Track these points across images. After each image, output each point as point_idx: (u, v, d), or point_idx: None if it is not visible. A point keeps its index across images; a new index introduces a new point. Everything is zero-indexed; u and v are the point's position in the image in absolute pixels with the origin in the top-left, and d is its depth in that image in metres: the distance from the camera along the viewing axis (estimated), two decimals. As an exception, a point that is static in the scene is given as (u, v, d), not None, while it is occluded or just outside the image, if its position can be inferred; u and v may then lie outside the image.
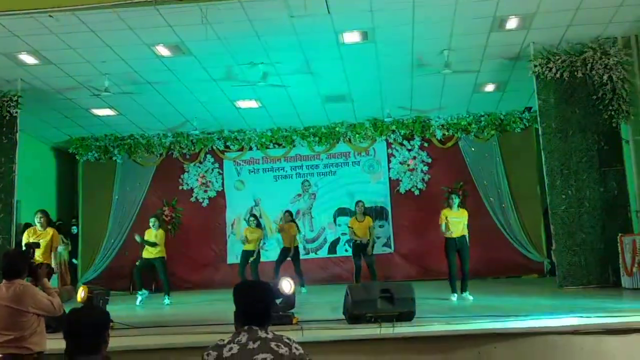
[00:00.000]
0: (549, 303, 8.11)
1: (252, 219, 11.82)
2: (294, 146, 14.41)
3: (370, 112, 13.56)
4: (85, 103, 12.01)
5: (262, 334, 2.74)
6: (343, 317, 6.50)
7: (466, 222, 9.08)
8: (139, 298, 10.42)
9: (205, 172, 14.61)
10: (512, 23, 9.26)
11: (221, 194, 14.58)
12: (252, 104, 12.52)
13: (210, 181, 14.59)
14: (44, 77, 10.60)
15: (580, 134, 10.01)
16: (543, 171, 10.33)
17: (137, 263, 10.76)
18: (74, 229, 14.41)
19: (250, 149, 14.52)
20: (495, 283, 12.07)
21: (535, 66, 10.11)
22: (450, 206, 9.12)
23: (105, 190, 14.45)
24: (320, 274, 13.67)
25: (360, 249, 10.88)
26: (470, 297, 8.71)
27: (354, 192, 14.08)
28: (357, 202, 11.32)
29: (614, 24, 9.46)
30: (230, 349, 2.68)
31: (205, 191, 14.57)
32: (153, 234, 10.58)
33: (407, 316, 6.21)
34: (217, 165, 14.64)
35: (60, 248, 10.88)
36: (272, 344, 2.70)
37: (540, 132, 10.35)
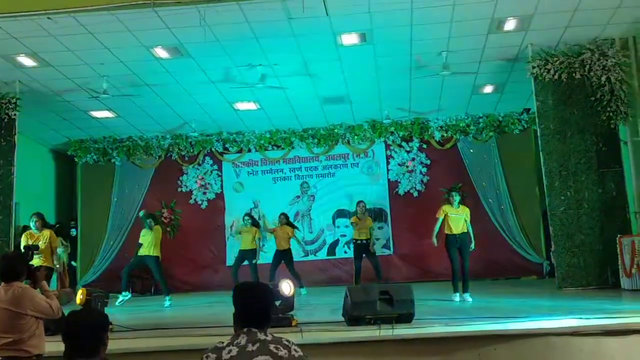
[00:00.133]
0: (548, 304, 8.11)
1: (246, 217, 11.82)
2: (292, 148, 14.41)
3: (368, 114, 13.57)
4: (84, 105, 12.01)
5: (261, 336, 2.74)
6: (342, 319, 6.50)
7: (468, 219, 9.05)
8: (120, 298, 10.26)
9: (204, 174, 14.61)
10: (510, 24, 9.27)
11: (220, 196, 14.58)
12: (251, 105, 12.53)
13: (209, 183, 14.59)
14: (42, 79, 10.60)
15: (578, 135, 10.02)
16: (542, 172, 10.34)
17: (131, 261, 10.73)
18: (73, 232, 14.41)
19: (249, 150, 14.53)
20: (494, 284, 12.06)
21: (534, 67, 10.13)
22: (450, 203, 9.13)
23: (104, 192, 14.45)
24: (319, 276, 13.68)
25: (361, 249, 10.86)
26: (470, 299, 8.70)
27: (352, 193, 14.10)
28: (358, 202, 11.32)
29: (611, 26, 9.47)
30: (230, 351, 2.68)
31: (204, 193, 14.57)
32: (147, 232, 10.54)
33: (406, 318, 6.21)
34: (215, 167, 14.65)
35: (59, 250, 10.85)
36: (272, 346, 2.70)
37: (538, 134, 10.36)
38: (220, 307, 9.26)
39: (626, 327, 5.65)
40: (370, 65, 10.62)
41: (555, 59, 10.06)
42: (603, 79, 9.82)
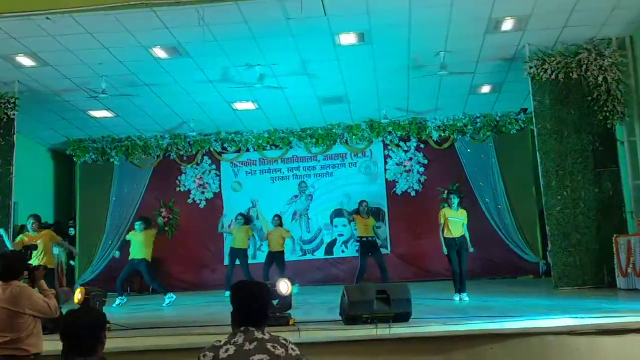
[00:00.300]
0: (545, 304, 8.11)
1: (239, 217, 11.84)
2: (290, 147, 14.42)
3: (366, 114, 13.58)
4: (83, 105, 12.02)
5: (258, 334, 2.75)
6: (339, 318, 6.51)
7: (466, 222, 9.10)
8: (117, 301, 10.40)
9: (203, 173, 14.62)
10: (507, 24, 9.29)
11: (218, 196, 14.60)
12: (249, 105, 12.54)
13: (207, 183, 14.61)
14: (41, 79, 10.60)
15: (575, 135, 10.04)
16: (538, 172, 10.36)
17: (124, 270, 10.80)
18: (72, 231, 14.41)
19: (247, 150, 14.54)
20: (490, 284, 12.08)
21: (531, 67, 10.15)
22: (449, 206, 9.15)
23: (102, 191, 14.45)
24: (316, 275, 13.71)
25: (368, 247, 10.80)
26: (466, 298, 8.74)
27: (350, 193, 14.15)
28: (361, 202, 11.27)
29: (608, 26, 9.50)
30: (227, 350, 2.69)
31: (203, 192, 14.59)
32: (138, 234, 10.63)
33: (403, 317, 6.22)
34: (214, 166, 14.66)
35: (56, 250, 10.89)
36: (269, 345, 2.71)
37: (535, 133, 10.38)
38: (217, 306, 9.28)
39: (622, 327, 5.66)
40: (368, 65, 10.63)
41: (552, 58, 10.07)
42: (600, 78, 9.84)
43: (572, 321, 6.04)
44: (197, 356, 2.72)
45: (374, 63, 10.53)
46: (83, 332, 2.72)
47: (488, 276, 12.97)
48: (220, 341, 2.75)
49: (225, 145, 14.50)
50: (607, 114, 9.78)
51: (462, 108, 13.43)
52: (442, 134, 13.97)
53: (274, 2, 8.11)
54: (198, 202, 14.57)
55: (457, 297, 8.83)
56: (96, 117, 12.92)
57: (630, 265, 8.74)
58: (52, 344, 4.11)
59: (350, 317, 6.25)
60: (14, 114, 10.76)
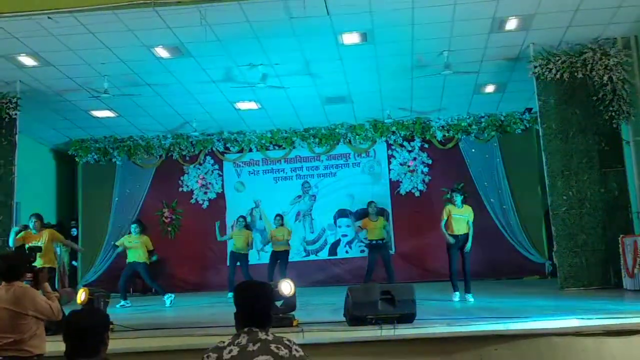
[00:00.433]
0: (551, 304, 8.08)
1: (240, 219, 11.81)
2: (294, 147, 14.39)
3: (370, 114, 13.55)
4: (85, 105, 12.01)
5: (262, 335, 2.72)
6: (344, 319, 6.49)
7: (471, 220, 9.02)
8: (122, 302, 10.44)
9: (205, 173, 14.61)
10: (511, 24, 9.25)
11: (221, 196, 14.58)
12: (252, 105, 12.52)
13: (210, 183, 14.59)
14: (43, 79, 10.59)
15: (580, 134, 10.00)
16: (544, 172, 10.32)
17: (124, 272, 10.85)
18: (74, 231, 14.40)
19: (250, 150, 14.52)
20: (496, 284, 12.03)
21: (535, 67, 10.11)
22: (453, 203, 9.10)
23: (105, 192, 14.45)
24: (320, 276, 13.67)
25: (376, 249, 10.72)
26: (472, 299, 8.68)
27: (354, 193, 14.12)
28: (369, 203, 11.18)
29: (613, 25, 9.45)
30: (230, 351, 2.66)
31: (205, 193, 14.57)
32: (133, 238, 10.71)
33: (408, 318, 6.19)
34: (217, 166, 14.64)
35: (57, 249, 10.91)
36: (272, 346, 2.68)
37: (540, 133, 10.34)
38: (221, 307, 9.26)
39: (629, 328, 5.62)
40: (371, 65, 10.60)
41: (557, 58, 10.03)
42: (605, 78, 9.79)
43: (578, 322, 6.01)
44: (201, 357, 2.70)
45: (377, 63, 10.50)
46: (86, 333, 2.70)
47: (493, 277, 12.90)
48: (223, 342, 2.73)
49: (228, 145, 14.48)
50: (613, 113, 9.73)
51: (466, 108, 13.38)
52: (447, 134, 13.93)
53: (277, 1, 8.09)
54: (201, 202, 14.56)
55: (455, 297, 8.76)
56: (98, 117, 12.91)
57: (637, 266, 8.69)
58: (55, 345, 4.07)
59: (354, 318, 6.22)
60: (16, 114, 10.76)
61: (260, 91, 11.27)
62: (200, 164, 14.60)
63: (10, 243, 8.66)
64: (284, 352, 2.67)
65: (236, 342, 2.70)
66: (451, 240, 8.87)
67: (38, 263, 7.43)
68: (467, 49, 9.99)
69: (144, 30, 8.81)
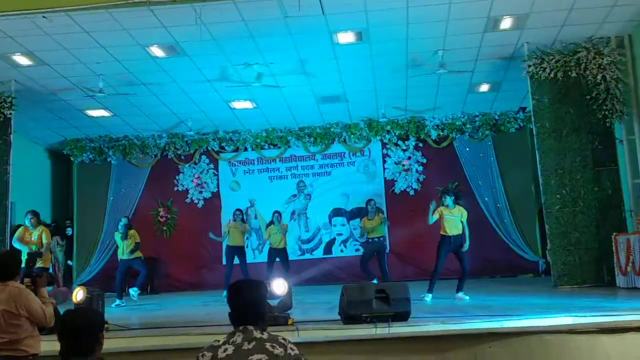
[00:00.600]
0: (544, 302, 8.11)
1: (237, 213, 11.74)
2: (289, 147, 14.40)
3: (365, 113, 13.57)
4: (80, 104, 11.98)
5: (257, 334, 2.73)
6: (338, 317, 6.50)
7: (464, 220, 9.03)
8: (117, 302, 10.47)
9: (200, 173, 14.60)
10: (506, 23, 9.28)
11: (216, 195, 14.57)
12: (247, 104, 12.52)
13: (205, 182, 14.58)
14: (37, 78, 10.57)
15: (574, 133, 10.04)
16: (537, 171, 10.36)
17: (118, 271, 10.90)
18: (69, 231, 14.38)
19: (245, 149, 14.52)
20: (490, 283, 12.08)
21: (530, 66, 10.14)
22: (444, 204, 9.13)
23: (100, 191, 14.43)
24: (315, 274, 13.67)
25: (372, 248, 10.74)
26: (466, 297, 8.71)
27: (349, 192, 14.14)
28: (368, 201, 11.23)
29: (607, 24, 9.49)
30: (225, 349, 2.67)
31: (201, 192, 14.56)
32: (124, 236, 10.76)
33: (402, 316, 6.22)
34: (212, 166, 14.64)
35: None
36: (268, 345, 2.69)
37: (534, 132, 10.37)
38: (216, 306, 9.25)
39: (622, 325, 5.65)
40: (366, 64, 10.61)
41: (551, 57, 10.07)
42: (599, 77, 9.83)
43: (571, 320, 6.03)
44: (196, 356, 2.71)
45: (372, 62, 10.52)
46: (81, 333, 2.70)
47: (487, 275, 12.97)
48: (218, 341, 2.73)
49: (223, 144, 14.47)
50: (606, 112, 9.78)
51: (460, 107, 13.41)
52: (441, 133, 13.96)
53: (272, 0, 8.09)
54: (196, 201, 14.55)
55: (428, 297, 8.77)
56: (93, 117, 12.89)
57: (630, 264, 8.73)
58: (50, 345, 4.07)
59: (349, 317, 6.24)
60: (10, 114, 10.74)
61: (256, 90, 11.27)
62: (195, 163, 14.59)
63: (14, 243, 8.71)
64: (279, 350, 2.67)
65: (231, 340, 2.71)
66: (432, 206, 8.97)
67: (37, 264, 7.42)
68: (461, 48, 10.02)
69: (139, 29, 8.80)
